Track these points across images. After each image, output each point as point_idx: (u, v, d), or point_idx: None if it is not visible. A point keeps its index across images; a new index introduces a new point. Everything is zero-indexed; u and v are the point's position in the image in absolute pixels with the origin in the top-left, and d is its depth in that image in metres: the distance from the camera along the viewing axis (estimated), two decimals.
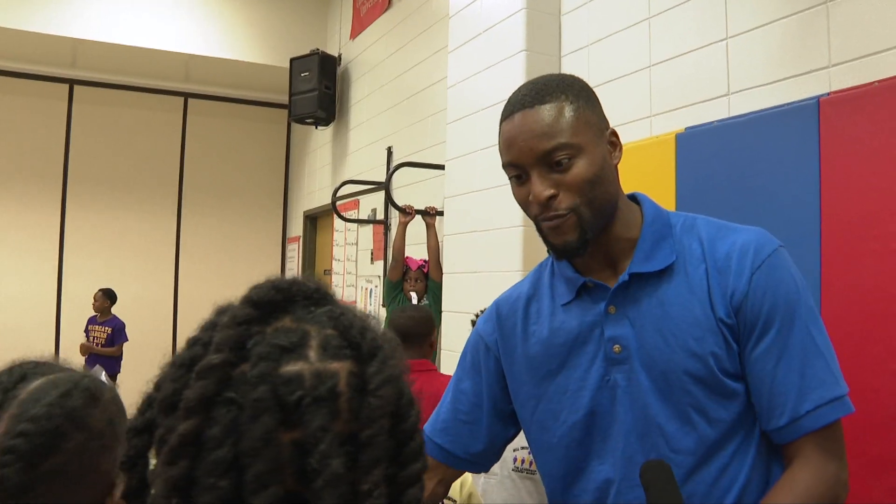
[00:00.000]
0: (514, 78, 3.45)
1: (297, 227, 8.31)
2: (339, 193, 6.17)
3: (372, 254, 6.02)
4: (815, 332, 1.29)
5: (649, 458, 1.33)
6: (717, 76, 2.73)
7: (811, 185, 2.29)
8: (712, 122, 2.66)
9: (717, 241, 1.35)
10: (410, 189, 5.33)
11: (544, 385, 1.44)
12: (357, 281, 6.38)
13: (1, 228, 7.40)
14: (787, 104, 2.43)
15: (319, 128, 7.04)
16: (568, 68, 3.41)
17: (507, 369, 1.49)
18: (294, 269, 8.29)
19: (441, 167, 4.31)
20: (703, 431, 1.31)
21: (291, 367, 0.66)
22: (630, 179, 2.83)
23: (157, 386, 0.70)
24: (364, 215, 6.20)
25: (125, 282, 7.52)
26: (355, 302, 6.36)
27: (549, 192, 1.29)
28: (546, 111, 1.30)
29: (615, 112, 3.14)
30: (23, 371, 0.95)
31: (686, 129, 2.73)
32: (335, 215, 6.13)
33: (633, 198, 1.44)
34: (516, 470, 2.36)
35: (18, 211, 7.50)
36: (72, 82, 7.71)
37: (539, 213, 1.32)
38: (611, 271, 1.39)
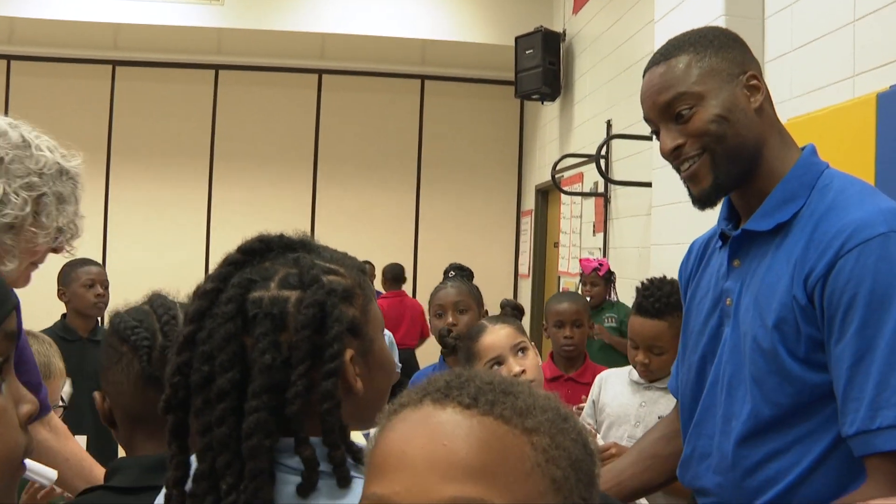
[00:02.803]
0: None
1: (530, 201, 8.49)
2: (565, 167, 6.27)
3: (594, 226, 6.06)
4: None
5: (722, 411, 1.34)
6: None
7: None
8: None
9: (834, 212, 1.25)
10: (626, 161, 5.31)
11: (687, 322, 1.50)
12: (581, 253, 6.45)
13: (259, 206, 8.23)
14: None
15: (546, 103, 7.15)
16: (771, 32, 3.26)
17: (687, 302, 1.54)
18: (527, 241, 8.48)
19: (649, 138, 4.27)
20: (757, 406, 1.27)
21: (257, 293, 0.93)
22: (826, 147, 2.69)
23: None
24: (587, 188, 6.24)
25: (370, 253, 8.09)
26: (578, 274, 6.43)
27: (675, 142, 1.33)
28: (668, 66, 1.33)
29: (817, 75, 2.97)
30: None
31: (890, 87, 2.54)
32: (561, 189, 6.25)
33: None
34: None
35: (274, 190, 8.35)
36: (320, 72, 8.42)
37: (673, 162, 1.36)
38: None
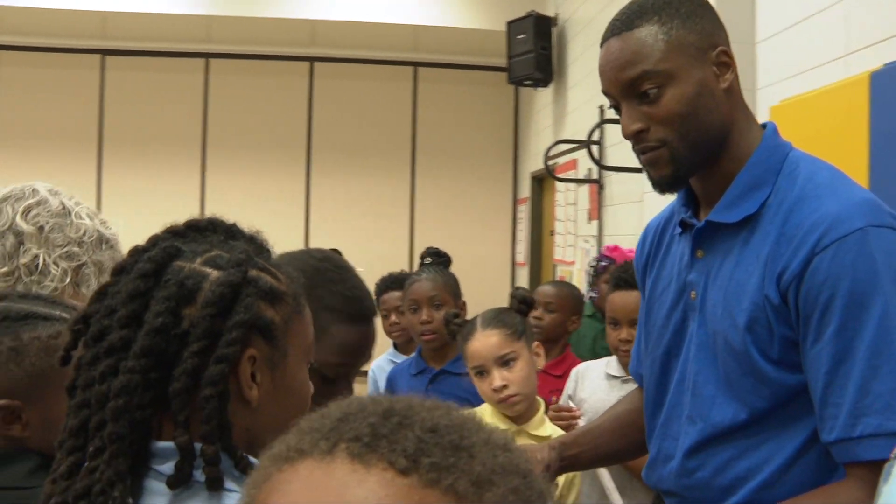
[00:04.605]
0: None
1: (525, 189, 8.42)
2: (559, 153, 6.19)
3: (588, 213, 5.98)
4: None
5: (686, 413, 1.27)
6: None
7: None
8: None
9: (805, 203, 1.16)
10: (619, 147, 5.22)
11: (649, 313, 1.42)
12: (576, 241, 6.37)
13: (255, 195, 8.14)
14: None
15: (539, 89, 7.06)
16: (762, 11, 3.18)
17: (647, 291, 1.47)
18: (523, 230, 8.41)
19: None
20: (732, 408, 1.19)
21: (180, 262, 0.89)
22: (818, 129, 2.61)
23: None
24: (582, 175, 6.16)
25: (364, 240, 8.02)
26: (574, 262, 6.35)
27: (636, 126, 1.23)
28: (632, 38, 1.22)
29: (808, 55, 2.89)
30: None
31: (884, 65, 2.46)
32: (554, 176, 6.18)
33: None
34: None
35: (270, 178, 8.26)
36: (311, 60, 8.33)
37: (633, 145, 1.27)
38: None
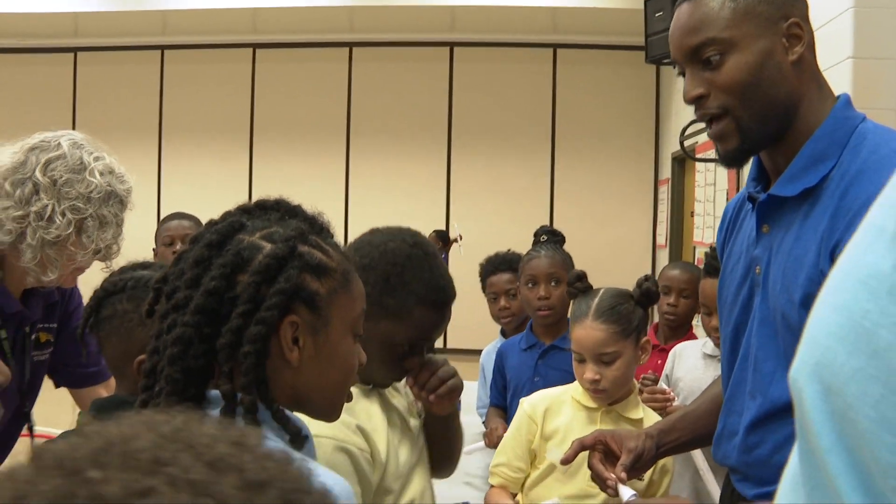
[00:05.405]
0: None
1: (667, 169, 8.24)
2: (696, 131, 6.04)
3: (727, 194, 5.82)
4: None
5: (750, 388, 1.26)
6: None
7: None
8: None
9: (864, 175, 1.14)
10: None
11: (721, 290, 1.43)
12: (715, 222, 6.21)
13: (395, 179, 8.40)
14: None
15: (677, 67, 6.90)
16: None
17: (722, 268, 1.47)
18: (664, 211, 8.24)
19: None
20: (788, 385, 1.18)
21: (241, 235, 1.01)
22: None
23: None
24: None
25: (504, 222, 8.06)
26: (713, 244, 6.20)
27: (697, 91, 1.24)
28: (700, 4, 1.22)
29: None
30: None
31: None
32: (694, 157, 6.03)
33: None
34: None
35: (412, 162, 8.50)
36: (451, 45, 8.46)
37: (696, 112, 1.28)
38: None
